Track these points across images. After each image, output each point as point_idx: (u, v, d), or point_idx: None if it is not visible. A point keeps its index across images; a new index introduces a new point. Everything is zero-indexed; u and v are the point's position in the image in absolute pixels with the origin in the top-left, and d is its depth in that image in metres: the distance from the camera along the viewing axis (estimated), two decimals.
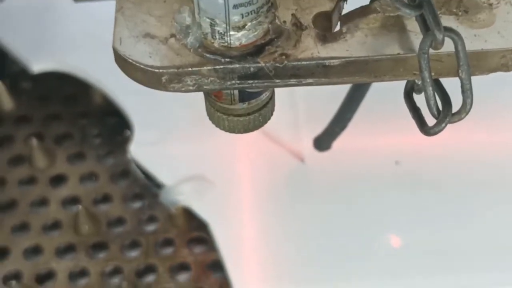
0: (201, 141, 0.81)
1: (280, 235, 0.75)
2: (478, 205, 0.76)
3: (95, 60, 0.88)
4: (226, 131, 0.49)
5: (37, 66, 0.90)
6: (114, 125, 0.87)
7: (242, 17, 0.42)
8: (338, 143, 0.71)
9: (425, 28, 0.42)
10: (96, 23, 0.90)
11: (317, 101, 0.79)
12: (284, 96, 0.82)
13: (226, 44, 0.43)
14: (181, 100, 0.82)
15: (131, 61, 0.44)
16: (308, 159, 0.79)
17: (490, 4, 0.45)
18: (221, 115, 0.48)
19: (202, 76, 0.44)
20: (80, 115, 0.89)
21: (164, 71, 0.43)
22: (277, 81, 0.44)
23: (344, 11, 0.44)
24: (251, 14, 0.42)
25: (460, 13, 0.44)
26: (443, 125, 0.43)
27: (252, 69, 0.43)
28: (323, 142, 0.70)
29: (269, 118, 0.49)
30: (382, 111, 0.74)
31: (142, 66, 0.43)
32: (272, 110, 0.49)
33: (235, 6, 0.41)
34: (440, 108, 0.43)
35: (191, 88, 0.44)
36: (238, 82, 0.44)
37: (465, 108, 0.43)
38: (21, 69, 0.91)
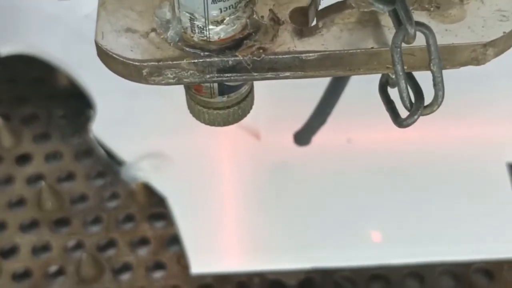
0: (160, 118, 0.85)
1: (238, 208, 0.78)
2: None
3: (60, 43, 0.90)
4: (206, 124, 0.51)
5: (4, 48, 0.92)
6: (79, 106, 0.90)
7: (221, 12, 0.44)
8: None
9: (398, 23, 0.44)
10: (62, 6, 0.93)
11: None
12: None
13: (205, 38, 0.45)
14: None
15: (112, 54, 0.45)
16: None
17: (461, 0, 0.47)
18: (201, 108, 0.50)
19: (182, 69, 0.45)
20: (46, 97, 0.92)
21: (145, 64, 0.45)
22: (255, 74, 0.46)
23: (320, 7, 0.46)
24: (230, 9, 0.44)
25: (432, 9, 0.46)
26: (416, 117, 0.45)
27: (230, 63, 0.45)
28: (302, 137, 0.72)
29: (248, 112, 0.51)
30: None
31: (123, 59, 0.45)
32: (251, 103, 0.51)
33: (213, 1, 0.43)
34: (413, 100, 0.45)
35: (171, 81, 0.46)
36: (217, 75, 0.46)
37: (437, 100, 0.45)
38: None
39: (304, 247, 0.78)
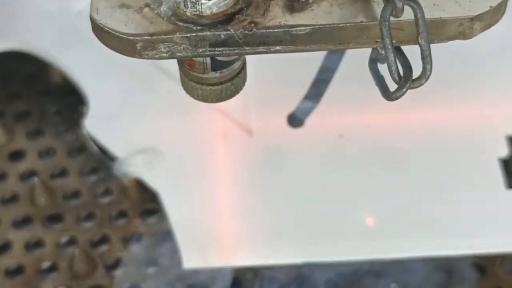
0: (153, 115, 0.85)
1: (231, 203, 0.79)
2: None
3: (53, 40, 0.91)
4: (200, 100, 0.52)
5: None
6: (72, 102, 0.90)
7: None
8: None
9: None
10: (55, 2, 0.93)
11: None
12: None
13: (198, 12, 0.46)
14: (135, 77, 0.87)
15: (107, 29, 0.47)
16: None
17: None
18: (195, 85, 0.51)
19: (175, 44, 0.47)
20: (39, 93, 0.92)
21: (139, 38, 0.47)
22: (247, 48, 0.47)
23: None
24: None
25: None
26: (404, 89, 0.46)
27: (222, 37, 0.46)
28: (296, 118, 0.73)
29: (241, 88, 0.52)
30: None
31: (117, 34, 0.47)
32: (244, 80, 0.52)
33: None
34: (402, 74, 0.46)
35: (164, 55, 0.47)
36: (209, 49, 0.47)
37: (425, 74, 0.46)
38: None
39: (298, 242, 0.79)
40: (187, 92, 0.52)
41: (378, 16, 0.46)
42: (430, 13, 0.46)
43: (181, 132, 0.84)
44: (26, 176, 0.86)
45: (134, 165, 0.82)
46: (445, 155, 0.82)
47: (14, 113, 0.91)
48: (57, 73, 0.91)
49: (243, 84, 0.53)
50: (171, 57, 0.47)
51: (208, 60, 0.50)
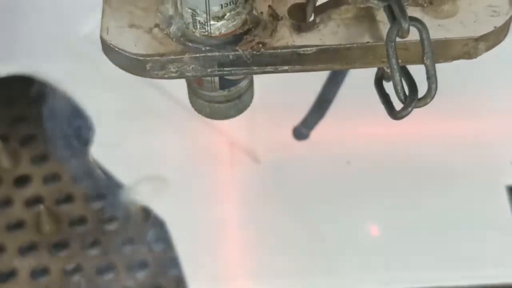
0: (159, 141, 0.86)
1: (238, 233, 0.79)
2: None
3: (59, 64, 0.92)
4: (208, 117, 0.53)
5: (2, 69, 0.93)
6: (77, 127, 0.90)
7: (222, 8, 0.46)
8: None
9: (392, 18, 0.46)
10: (59, 27, 0.95)
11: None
12: None
13: (206, 33, 0.47)
14: (142, 103, 0.88)
15: (117, 49, 0.48)
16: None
17: None
18: (203, 102, 0.53)
19: (184, 64, 0.48)
20: (44, 118, 0.92)
21: (149, 58, 0.48)
22: (255, 68, 0.48)
23: (317, 3, 0.49)
24: (230, 4, 0.46)
25: (425, 4, 0.49)
26: (410, 109, 0.47)
27: (231, 57, 0.48)
28: (301, 131, 0.74)
29: (249, 105, 0.54)
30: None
31: (127, 54, 0.48)
32: (251, 97, 0.54)
33: None
34: (407, 93, 0.47)
35: (173, 75, 0.48)
36: (218, 69, 0.48)
37: (430, 93, 0.47)
38: None
39: (306, 273, 0.78)
40: (195, 109, 0.54)
41: (384, 37, 0.47)
42: (435, 34, 0.47)
43: (188, 159, 0.84)
44: (32, 202, 0.85)
45: (140, 193, 0.82)
46: (453, 179, 0.82)
47: (19, 137, 0.91)
48: (63, 97, 0.91)
49: (251, 101, 0.54)
50: (180, 76, 0.48)
51: (216, 79, 0.51)
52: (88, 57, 0.91)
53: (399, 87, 0.47)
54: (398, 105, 0.49)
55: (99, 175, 0.85)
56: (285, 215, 0.79)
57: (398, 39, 0.47)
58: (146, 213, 0.81)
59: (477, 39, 0.48)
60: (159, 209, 0.81)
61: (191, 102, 0.54)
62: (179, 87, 0.81)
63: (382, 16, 0.48)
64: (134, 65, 0.48)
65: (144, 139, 0.86)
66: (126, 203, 0.82)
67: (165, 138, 0.85)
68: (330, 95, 0.67)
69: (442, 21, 0.48)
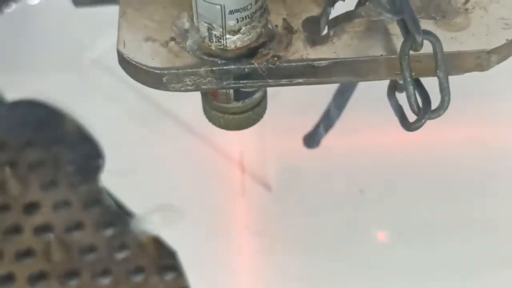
0: (171, 170, 0.85)
1: (250, 261, 0.79)
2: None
3: (68, 88, 0.92)
4: (221, 128, 0.55)
5: (11, 94, 0.93)
6: (86, 152, 0.90)
7: (237, 22, 0.47)
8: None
9: (406, 31, 0.48)
10: (68, 52, 0.95)
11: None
12: None
13: (222, 47, 0.48)
14: (152, 128, 0.88)
15: (134, 63, 0.49)
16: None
17: (466, 9, 0.50)
18: (217, 113, 0.54)
19: (200, 77, 0.49)
20: (53, 143, 0.91)
21: (165, 72, 0.49)
22: (270, 81, 0.49)
23: (331, 16, 0.50)
24: (246, 19, 0.47)
25: (438, 18, 0.50)
26: (423, 121, 0.48)
27: (246, 70, 0.49)
28: (312, 140, 0.75)
29: (262, 116, 0.55)
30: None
31: (144, 67, 0.49)
32: (265, 108, 0.55)
33: (231, 12, 0.47)
34: (420, 105, 0.48)
35: (190, 88, 0.49)
36: (233, 82, 0.49)
37: (443, 105, 0.48)
38: None
39: None
40: (209, 120, 0.55)
41: (397, 49, 0.48)
42: (448, 47, 0.48)
43: (199, 188, 0.84)
44: (41, 229, 0.85)
45: (151, 222, 0.82)
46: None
47: (27, 163, 0.90)
48: (71, 122, 0.91)
49: (264, 112, 0.55)
50: (196, 89, 0.49)
51: (231, 90, 0.52)
52: (97, 82, 0.93)
53: (412, 99, 0.48)
54: (410, 116, 0.50)
55: (109, 203, 0.84)
56: (298, 244, 0.79)
57: (411, 52, 0.47)
58: (157, 243, 0.81)
59: (489, 52, 0.49)
60: (171, 238, 0.80)
61: (204, 112, 0.55)
62: (192, 115, 0.83)
63: (395, 29, 0.50)
64: (151, 78, 0.49)
65: (155, 167, 0.86)
66: (137, 233, 0.81)
67: (176, 166, 0.85)
68: (341, 104, 0.68)
69: (454, 34, 0.49)
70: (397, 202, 0.81)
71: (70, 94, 0.92)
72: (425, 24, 0.49)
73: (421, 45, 0.47)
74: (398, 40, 0.49)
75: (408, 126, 0.49)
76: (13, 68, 0.96)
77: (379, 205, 0.81)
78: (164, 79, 0.49)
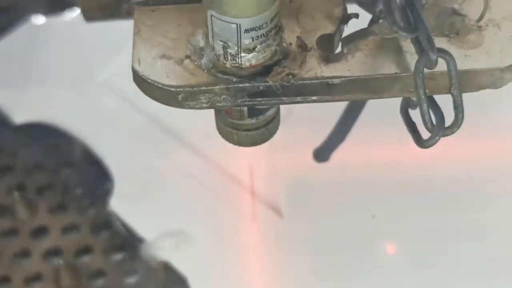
0: (180, 195, 0.85)
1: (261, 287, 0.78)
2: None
3: (76, 111, 0.93)
4: (235, 144, 0.55)
5: (19, 117, 0.94)
6: (95, 176, 0.90)
7: (253, 40, 0.48)
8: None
9: (420, 49, 0.48)
10: (76, 74, 0.96)
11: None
12: None
13: (237, 65, 0.49)
14: (161, 152, 0.88)
15: (149, 80, 0.50)
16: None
17: (479, 27, 0.51)
18: (231, 130, 0.54)
19: (215, 95, 0.50)
20: (61, 166, 0.92)
21: (180, 89, 0.49)
22: (284, 98, 0.50)
23: (344, 34, 0.50)
24: (261, 37, 0.48)
25: (451, 35, 0.51)
26: (437, 138, 0.49)
27: (261, 88, 0.49)
28: (322, 153, 0.76)
29: (275, 132, 0.55)
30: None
31: (159, 85, 0.49)
32: (278, 125, 0.55)
33: (246, 31, 0.47)
34: (434, 122, 0.49)
35: (204, 105, 0.50)
36: (248, 99, 0.50)
37: (457, 122, 0.49)
38: (3, 120, 0.95)
39: None
40: (222, 136, 0.55)
41: (411, 67, 0.49)
42: (462, 64, 0.49)
43: (209, 213, 0.84)
44: (50, 254, 0.85)
45: (161, 248, 0.82)
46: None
47: (36, 187, 0.90)
48: (80, 145, 0.92)
49: (277, 129, 0.56)
50: (210, 107, 0.50)
51: (245, 108, 0.53)
52: (106, 105, 0.93)
53: (426, 117, 0.49)
54: (422, 131, 0.50)
55: (118, 227, 0.84)
56: (310, 269, 0.79)
57: (425, 69, 0.48)
58: (168, 268, 0.81)
59: (503, 70, 0.49)
60: (181, 264, 0.80)
61: (218, 129, 0.55)
62: (202, 139, 0.84)
63: (408, 47, 0.50)
64: (166, 96, 0.49)
65: (165, 192, 0.86)
66: (146, 258, 0.81)
67: (186, 191, 0.85)
68: (352, 118, 0.68)
69: (468, 51, 0.50)
70: (408, 222, 0.81)
71: (78, 116, 0.92)
72: (439, 42, 0.50)
73: (436, 63, 0.48)
74: (412, 58, 0.49)
75: (422, 143, 0.50)
76: (20, 90, 0.96)
77: (391, 226, 0.82)
78: (180, 97, 0.49)
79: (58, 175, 0.91)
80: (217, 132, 0.86)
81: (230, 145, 0.86)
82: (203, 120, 0.85)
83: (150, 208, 0.84)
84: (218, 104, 0.50)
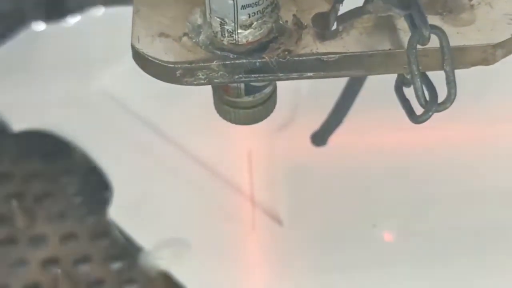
0: (180, 204, 0.85)
1: None
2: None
3: (73, 119, 0.93)
4: (232, 122, 0.57)
5: (17, 125, 0.94)
6: (94, 184, 0.90)
7: (249, 17, 0.50)
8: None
9: (413, 26, 0.50)
10: (73, 81, 0.97)
11: None
12: None
13: (234, 41, 0.51)
14: (161, 161, 0.89)
15: (148, 57, 0.51)
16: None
17: (472, 5, 0.53)
18: (228, 108, 0.56)
19: (213, 71, 0.51)
20: (60, 174, 0.92)
21: (178, 66, 0.51)
22: (280, 74, 0.51)
23: (340, 12, 0.52)
24: (257, 14, 0.50)
25: (444, 13, 0.52)
26: (430, 113, 0.50)
27: (257, 64, 0.51)
28: (319, 137, 0.77)
29: (272, 111, 0.57)
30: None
31: (158, 61, 0.51)
32: (274, 103, 0.57)
33: (243, 7, 0.49)
34: (427, 98, 0.50)
35: (202, 81, 0.52)
36: (245, 75, 0.51)
37: (450, 98, 0.50)
38: (1, 127, 0.95)
39: None
40: (220, 115, 0.57)
41: (405, 44, 0.50)
42: (454, 41, 0.50)
43: (209, 222, 0.84)
44: (48, 262, 0.84)
45: (160, 258, 0.81)
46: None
47: (34, 195, 0.90)
48: (78, 153, 0.92)
49: (274, 107, 0.57)
50: (208, 83, 0.51)
51: (242, 85, 0.54)
52: (105, 113, 0.94)
53: (419, 93, 0.50)
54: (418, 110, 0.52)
55: (117, 236, 0.84)
56: (310, 279, 0.79)
57: (418, 46, 0.49)
58: (167, 278, 0.80)
59: (495, 46, 0.51)
60: (180, 273, 0.80)
61: (216, 107, 0.57)
62: (202, 148, 0.86)
63: (402, 24, 0.52)
64: (165, 72, 0.51)
65: (164, 201, 0.86)
66: (146, 267, 0.81)
67: (186, 199, 0.85)
68: (349, 101, 0.70)
69: (460, 29, 0.51)
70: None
71: (77, 124, 0.93)
72: (432, 20, 0.51)
73: (428, 39, 0.49)
74: (405, 35, 0.51)
75: (415, 119, 0.51)
76: (19, 97, 0.97)
77: (394, 241, 0.82)
78: (178, 73, 0.51)
79: (57, 183, 0.91)
80: (217, 141, 0.88)
81: (231, 154, 0.88)
82: (203, 129, 0.87)
83: (149, 217, 0.84)
84: (215, 80, 0.51)
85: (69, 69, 0.99)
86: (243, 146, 0.89)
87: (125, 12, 1.00)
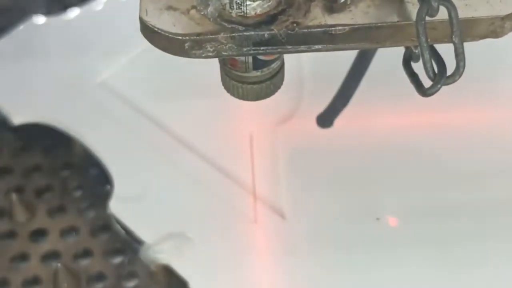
0: (181, 197, 0.85)
1: None
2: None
3: (74, 112, 0.93)
4: (240, 98, 0.57)
5: (17, 118, 0.94)
6: (94, 177, 0.90)
7: None
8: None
9: None
10: (74, 74, 0.96)
11: None
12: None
13: (242, 13, 0.51)
14: (162, 154, 0.88)
15: (156, 29, 0.51)
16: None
17: None
18: (236, 83, 0.56)
19: (221, 43, 0.51)
20: (60, 168, 0.91)
21: (187, 38, 0.51)
22: (289, 47, 0.52)
23: None
24: None
25: None
26: (439, 86, 0.51)
27: (266, 36, 0.51)
28: (325, 119, 0.77)
29: (279, 87, 0.57)
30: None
31: (166, 34, 0.51)
32: (282, 79, 0.57)
33: None
34: (436, 71, 0.51)
35: (210, 54, 0.52)
36: (253, 48, 0.52)
37: (459, 70, 0.51)
38: (1, 121, 0.95)
39: None
40: (227, 90, 0.57)
41: (413, 16, 0.51)
42: (462, 13, 0.51)
43: (211, 215, 0.83)
44: (48, 257, 0.84)
45: (161, 251, 0.81)
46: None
47: (34, 189, 0.90)
48: (79, 146, 0.91)
49: (281, 83, 0.57)
50: (216, 56, 0.52)
51: (250, 59, 0.54)
52: (106, 106, 0.93)
53: (428, 65, 0.50)
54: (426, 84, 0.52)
55: (118, 230, 0.84)
56: (314, 270, 0.78)
57: (427, 18, 0.50)
58: (168, 272, 0.80)
59: (503, 18, 0.51)
60: (182, 267, 0.79)
61: (223, 83, 0.57)
62: (203, 141, 0.85)
63: None
64: (173, 44, 0.51)
65: (165, 194, 0.85)
66: (146, 261, 0.81)
67: (187, 193, 0.84)
68: (355, 82, 0.70)
69: (469, 1, 0.52)
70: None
71: (77, 118, 0.92)
72: None
73: (437, 10, 0.49)
74: (413, 8, 0.51)
75: (424, 91, 0.51)
76: (19, 91, 0.96)
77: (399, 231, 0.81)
78: (186, 45, 0.51)
79: (57, 177, 0.91)
80: (218, 134, 0.88)
81: (232, 146, 0.88)
82: (204, 121, 0.87)
83: (150, 210, 0.84)
84: (223, 53, 0.51)
85: (70, 62, 0.99)
86: (245, 138, 0.89)
87: (125, 5, 1.01)
